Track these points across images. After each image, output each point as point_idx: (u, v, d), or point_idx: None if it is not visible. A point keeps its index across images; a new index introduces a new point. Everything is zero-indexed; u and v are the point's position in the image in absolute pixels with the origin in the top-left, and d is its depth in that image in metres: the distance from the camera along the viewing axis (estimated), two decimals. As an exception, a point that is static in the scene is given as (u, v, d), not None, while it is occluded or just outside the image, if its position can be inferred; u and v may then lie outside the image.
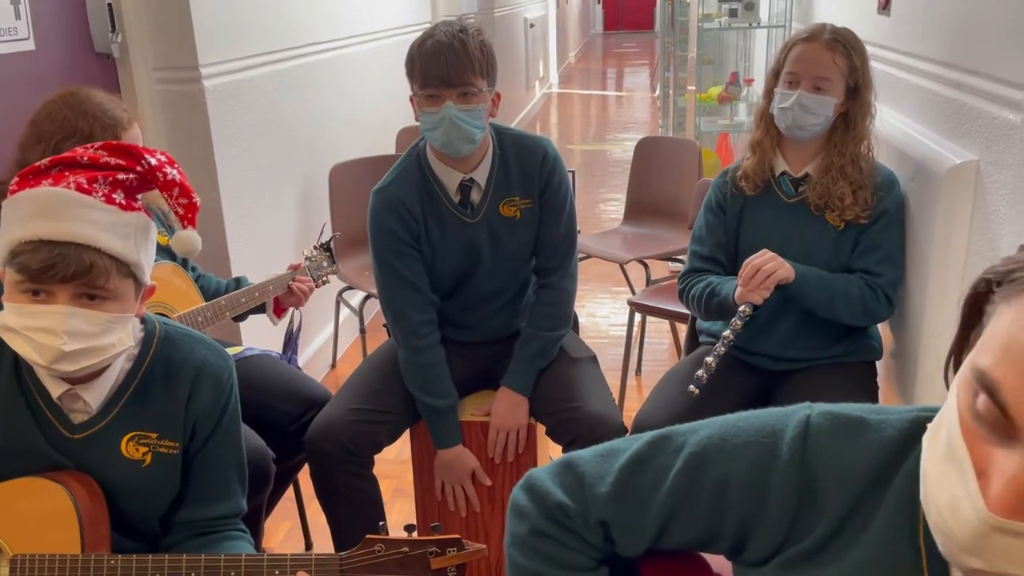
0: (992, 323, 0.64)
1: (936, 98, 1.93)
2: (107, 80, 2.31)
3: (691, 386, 1.67)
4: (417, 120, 1.71)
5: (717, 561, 0.98)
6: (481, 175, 1.78)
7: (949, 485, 0.65)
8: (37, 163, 1.17)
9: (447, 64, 1.61)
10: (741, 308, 1.72)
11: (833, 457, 0.80)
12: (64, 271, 1.09)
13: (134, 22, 2.32)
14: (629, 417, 1.84)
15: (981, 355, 0.63)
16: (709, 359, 1.68)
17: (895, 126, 2.09)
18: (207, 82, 2.42)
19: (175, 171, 1.21)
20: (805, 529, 0.81)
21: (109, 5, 2.27)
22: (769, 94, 1.84)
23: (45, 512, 1.20)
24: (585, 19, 17.72)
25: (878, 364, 1.92)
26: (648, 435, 0.92)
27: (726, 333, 1.71)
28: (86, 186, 1.14)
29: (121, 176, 1.18)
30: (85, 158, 1.17)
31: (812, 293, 1.76)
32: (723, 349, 1.69)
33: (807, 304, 1.78)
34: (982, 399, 0.62)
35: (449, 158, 1.75)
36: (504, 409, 1.84)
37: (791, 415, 0.84)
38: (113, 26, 2.29)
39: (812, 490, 0.80)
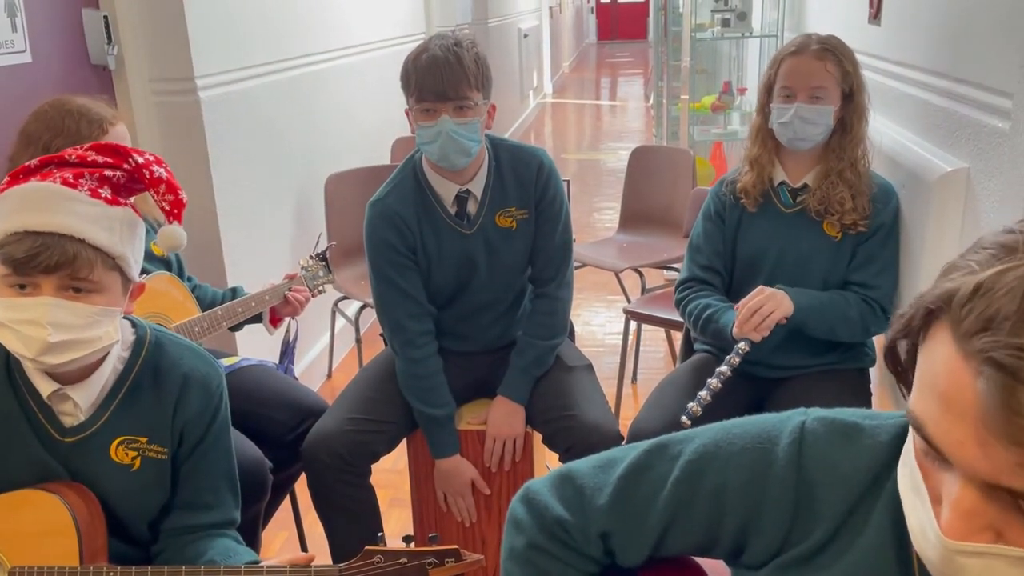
0: (918, 363, 0.66)
1: (927, 106, 1.95)
2: (103, 92, 2.32)
3: (683, 417, 1.65)
4: (413, 133, 1.72)
5: (713, 566, 0.98)
6: (477, 187, 1.79)
7: (916, 511, 0.67)
8: (27, 163, 1.19)
9: (443, 78, 1.62)
10: (740, 345, 1.71)
11: (829, 463, 0.80)
12: (47, 261, 1.10)
13: (130, 34, 2.33)
14: (625, 425, 1.85)
15: (912, 394, 0.66)
16: (703, 392, 1.66)
17: (887, 134, 2.11)
18: (203, 93, 2.43)
19: (162, 169, 1.22)
20: (802, 534, 0.81)
21: (105, 17, 2.28)
22: (763, 110, 1.85)
23: (43, 524, 1.20)
24: (579, 29, 17.80)
25: (872, 371, 1.93)
26: (645, 444, 0.92)
27: (723, 369, 1.68)
28: (72, 180, 1.15)
29: (108, 173, 1.19)
30: (74, 157, 1.19)
31: (812, 324, 1.76)
32: (718, 384, 1.67)
33: (807, 332, 1.78)
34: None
35: (445, 170, 1.76)
36: (501, 417, 1.84)
37: (786, 421, 0.85)
38: (109, 38, 2.30)
39: (809, 496, 0.81)
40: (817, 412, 0.85)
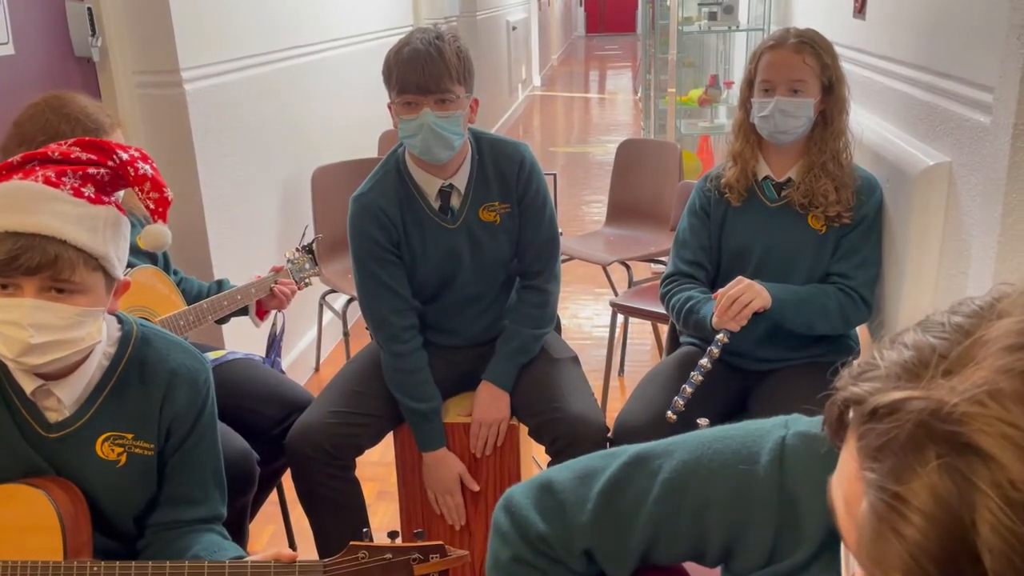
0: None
1: (910, 100, 1.96)
2: (87, 84, 2.31)
3: (669, 412, 1.66)
4: (396, 127, 1.72)
5: (702, 570, 0.98)
6: (460, 181, 1.79)
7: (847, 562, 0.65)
8: (10, 159, 1.18)
9: (424, 71, 1.62)
10: (719, 336, 1.72)
11: (811, 481, 0.79)
12: (29, 262, 1.09)
13: (114, 26, 2.31)
14: (613, 418, 1.86)
15: (835, 471, 0.60)
16: (686, 386, 1.68)
17: (871, 128, 2.12)
18: (188, 86, 2.41)
19: (147, 166, 1.21)
20: (787, 550, 0.81)
21: (89, 9, 2.26)
22: (745, 104, 1.86)
23: (27, 519, 1.20)
24: (567, 22, 17.77)
25: (856, 363, 1.94)
26: (625, 454, 0.91)
27: (703, 362, 1.70)
28: (54, 179, 1.14)
29: (92, 170, 1.18)
30: (57, 154, 1.18)
31: (790, 317, 1.77)
32: (700, 377, 1.69)
33: (786, 327, 1.79)
34: None
35: (428, 164, 1.76)
36: (486, 402, 1.85)
37: (766, 435, 0.84)
38: (93, 30, 2.28)
39: (793, 514, 0.80)
40: (797, 425, 0.83)
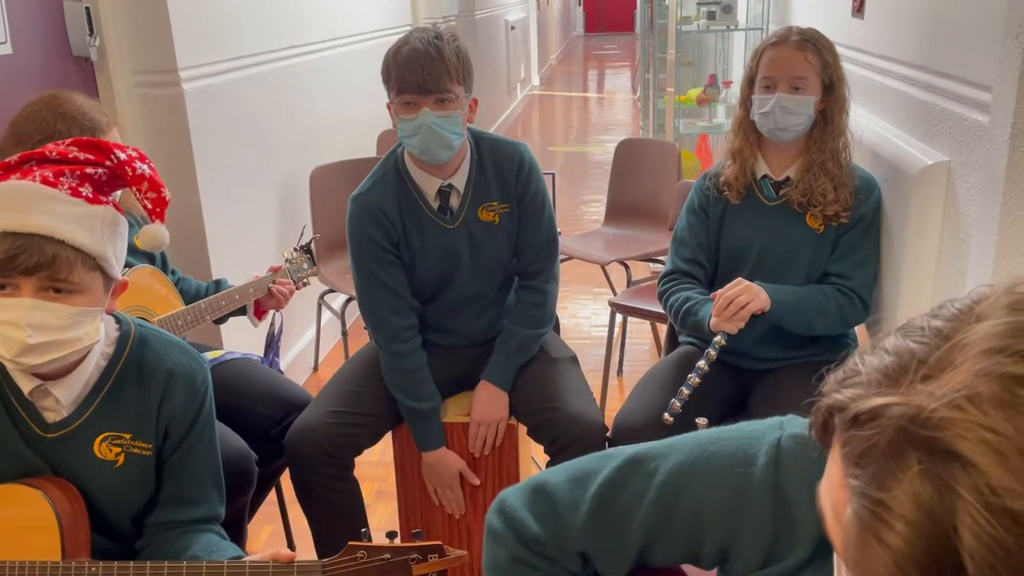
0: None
1: (909, 100, 1.96)
2: (85, 84, 2.30)
3: (666, 414, 1.67)
4: (395, 127, 1.72)
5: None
6: (459, 181, 1.79)
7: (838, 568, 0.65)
8: (7, 159, 1.18)
9: (423, 71, 1.62)
10: (716, 338, 1.72)
11: (805, 484, 0.78)
12: (26, 262, 1.09)
13: (112, 25, 2.31)
14: (611, 417, 1.86)
15: (824, 477, 0.60)
16: (684, 388, 1.68)
17: (869, 128, 2.12)
18: (186, 85, 2.41)
19: (145, 166, 1.21)
20: (783, 553, 0.81)
21: (87, 8, 2.26)
22: (745, 102, 1.86)
23: (25, 519, 1.20)
24: (566, 21, 17.76)
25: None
26: (620, 456, 0.91)
27: (700, 364, 1.70)
28: (52, 179, 1.14)
29: (89, 170, 1.18)
30: (54, 153, 1.18)
31: (789, 318, 1.77)
32: (697, 380, 1.69)
33: (785, 328, 1.79)
34: None
35: (427, 164, 1.76)
36: (484, 402, 1.85)
37: (762, 437, 0.84)
38: (91, 29, 2.28)
39: (788, 518, 0.80)
40: (792, 427, 0.84)
